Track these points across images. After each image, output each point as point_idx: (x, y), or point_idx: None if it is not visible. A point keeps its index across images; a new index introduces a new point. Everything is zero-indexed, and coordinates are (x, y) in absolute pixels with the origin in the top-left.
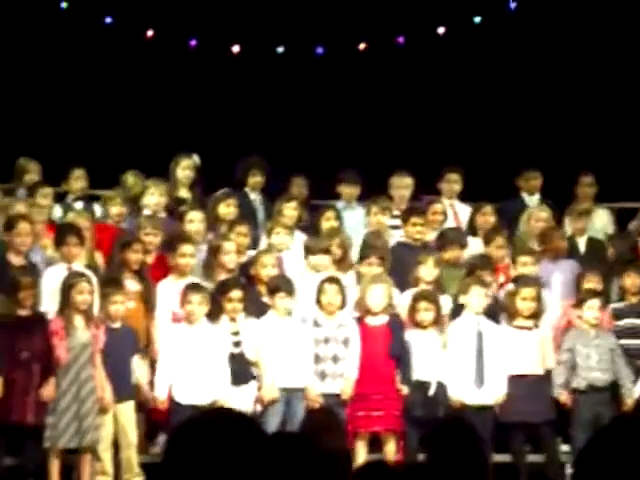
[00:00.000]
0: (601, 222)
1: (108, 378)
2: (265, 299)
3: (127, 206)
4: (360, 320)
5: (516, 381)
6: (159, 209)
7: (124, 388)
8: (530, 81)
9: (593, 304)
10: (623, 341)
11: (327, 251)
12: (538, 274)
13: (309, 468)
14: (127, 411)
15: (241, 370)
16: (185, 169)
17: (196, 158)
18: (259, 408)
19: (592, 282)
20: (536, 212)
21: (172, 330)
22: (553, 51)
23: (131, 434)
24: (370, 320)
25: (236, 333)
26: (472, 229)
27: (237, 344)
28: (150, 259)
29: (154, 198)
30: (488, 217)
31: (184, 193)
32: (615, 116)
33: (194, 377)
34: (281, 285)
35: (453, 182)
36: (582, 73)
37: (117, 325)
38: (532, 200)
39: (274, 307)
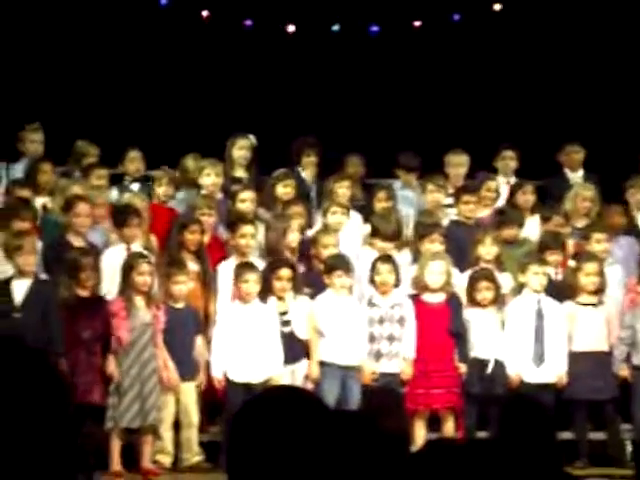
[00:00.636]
0: None
1: (172, 358)
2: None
3: (173, 186)
4: (417, 298)
5: (581, 358)
6: (215, 189)
7: (187, 368)
8: (581, 56)
9: None
10: None
11: (391, 237)
12: (610, 251)
13: (370, 448)
14: (189, 391)
15: (290, 349)
16: (241, 149)
17: (252, 138)
18: (309, 387)
19: None
20: (582, 190)
21: (226, 309)
22: (583, 25)
23: (193, 414)
24: (428, 297)
25: (284, 312)
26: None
27: (286, 323)
28: (206, 239)
29: (210, 178)
30: (529, 196)
31: (240, 173)
32: None
33: (248, 356)
34: (338, 263)
35: (509, 159)
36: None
37: (180, 305)
38: (575, 177)
39: (332, 285)
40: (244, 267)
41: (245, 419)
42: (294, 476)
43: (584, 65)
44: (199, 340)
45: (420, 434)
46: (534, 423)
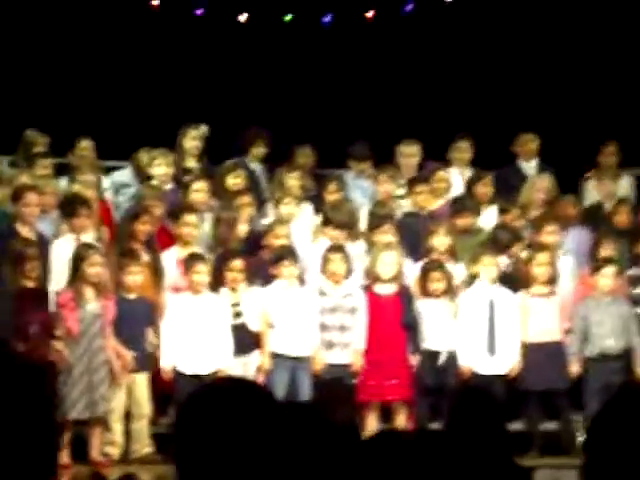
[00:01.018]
0: (624, 189)
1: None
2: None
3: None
4: (369, 289)
5: (534, 348)
6: (167, 179)
7: (139, 359)
8: (530, 47)
9: (608, 271)
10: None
11: (344, 225)
12: (560, 242)
13: (319, 439)
14: (141, 382)
15: (242, 340)
16: (193, 139)
17: (204, 128)
18: (261, 378)
19: (607, 249)
20: (539, 181)
21: (175, 300)
22: (565, 13)
23: (145, 405)
24: (380, 289)
25: (237, 304)
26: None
27: (238, 314)
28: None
29: (161, 169)
30: (488, 187)
31: (192, 163)
32: (625, 79)
33: (197, 347)
34: (285, 254)
35: (463, 150)
36: (594, 34)
37: (133, 296)
38: (529, 167)
39: (280, 276)
40: (194, 258)
41: (190, 410)
42: (240, 467)
43: (538, 55)
44: (151, 331)
45: (372, 425)
46: (484, 414)
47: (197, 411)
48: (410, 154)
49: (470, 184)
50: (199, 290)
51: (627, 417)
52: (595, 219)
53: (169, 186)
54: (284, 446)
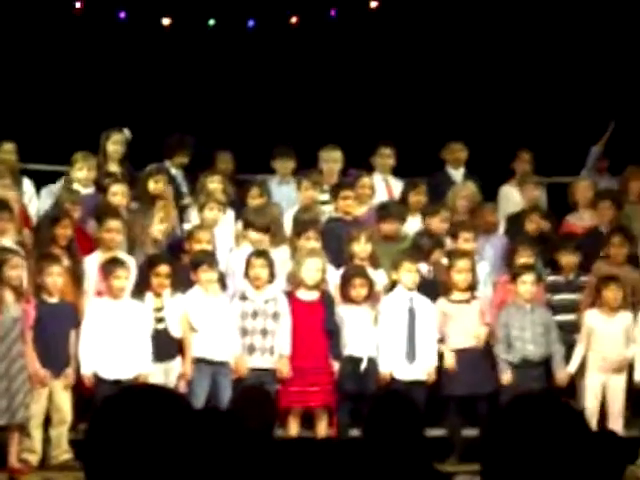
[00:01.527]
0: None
1: (45, 354)
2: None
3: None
4: (292, 294)
5: (460, 355)
6: (88, 183)
7: (61, 364)
8: (459, 54)
9: (527, 278)
10: (558, 317)
11: (267, 229)
12: (478, 249)
13: (230, 445)
14: (62, 387)
15: (164, 346)
16: (115, 144)
17: (127, 132)
18: (182, 385)
19: (524, 256)
20: (462, 188)
21: (95, 305)
22: (487, 23)
23: (65, 411)
24: (303, 295)
25: (160, 309)
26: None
27: (160, 320)
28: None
29: (82, 173)
30: (421, 196)
31: (114, 167)
32: (544, 92)
33: (117, 353)
34: (202, 258)
35: (387, 157)
36: (516, 47)
37: (54, 300)
38: (457, 174)
39: (199, 281)
40: (114, 263)
41: (101, 416)
42: (147, 474)
43: (464, 65)
44: (73, 335)
45: (293, 431)
46: (402, 420)
47: (109, 418)
48: (333, 159)
49: (404, 192)
50: (119, 295)
51: (518, 425)
52: (516, 227)
53: (89, 190)
54: (196, 452)
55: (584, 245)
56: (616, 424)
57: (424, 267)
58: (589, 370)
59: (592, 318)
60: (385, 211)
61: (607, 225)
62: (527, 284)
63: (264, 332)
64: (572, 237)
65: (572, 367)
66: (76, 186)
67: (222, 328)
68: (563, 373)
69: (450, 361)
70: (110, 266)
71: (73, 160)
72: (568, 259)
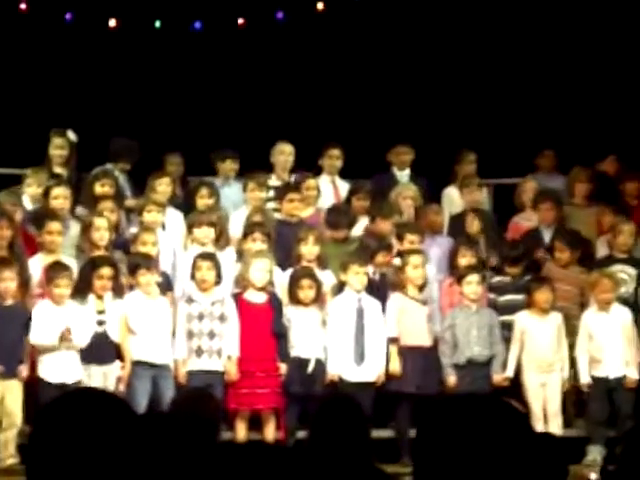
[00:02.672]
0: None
1: None
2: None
3: None
4: (240, 296)
5: (405, 353)
6: (38, 200)
7: (13, 367)
8: (403, 56)
9: (472, 279)
10: (503, 317)
11: (211, 224)
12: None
13: (176, 448)
14: (14, 390)
15: (104, 349)
16: (57, 148)
17: (71, 135)
18: (122, 388)
19: (466, 256)
20: (403, 190)
21: (40, 308)
22: (433, 24)
23: (15, 415)
24: (251, 297)
25: (101, 312)
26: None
27: (101, 323)
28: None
29: (32, 189)
30: (364, 202)
31: (58, 170)
32: (489, 93)
33: (60, 356)
34: (141, 262)
35: (335, 158)
36: (463, 47)
37: (8, 303)
38: (403, 175)
39: (137, 284)
40: (55, 269)
41: (43, 420)
42: (88, 478)
43: (410, 67)
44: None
45: (241, 434)
46: (348, 423)
47: (49, 421)
48: (284, 152)
49: (348, 197)
50: (59, 302)
51: (450, 426)
52: (458, 228)
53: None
54: (136, 456)
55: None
56: (554, 424)
57: (369, 269)
58: (525, 371)
59: (524, 320)
60: (334, 218)
61: (548, 226)
62: (472, 285)
63: (211, 334)
64: (516, 246)
65: (510, 370)
66: (26, 201)
67: (162, 331)
68: (499, 375)
69: (395, 364)
70: (51, 272)
71: (24, 176)
72: (512, 270)
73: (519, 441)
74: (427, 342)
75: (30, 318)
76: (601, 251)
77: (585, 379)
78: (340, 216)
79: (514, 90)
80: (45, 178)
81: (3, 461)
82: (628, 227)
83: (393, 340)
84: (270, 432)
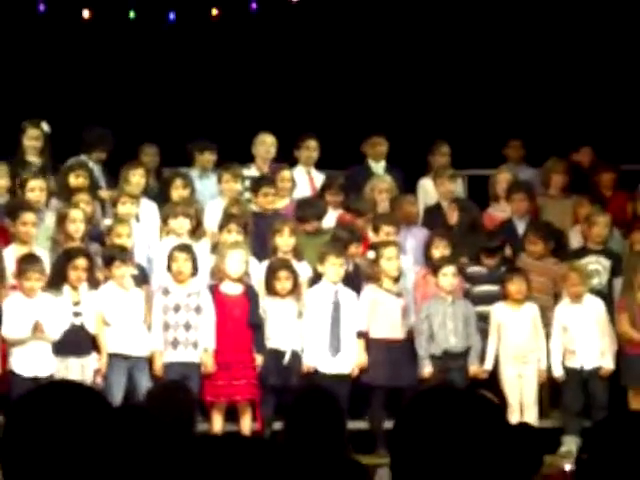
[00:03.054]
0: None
1: None
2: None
3: None
4: (216, 288)
5: (378, 345)
6: (1, 192)
7: None
8: (377, 46)
9: (448, 271)
10: (479, 307)
11: (187, 215)
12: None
13: (150, 442)
14: None
15: (80, 341)
16: (31, 139)
17: (45, 126)
18: (99, 380)
19: (439, 247)
20: (378, 183)
21: (11, 300)
22: (404, 15)
23: None
24: (227, 288)
25: (77, 303)
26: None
27: (77, 314)
28: None
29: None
30: (336, 197)
31: (33, 159)
32: (463, 84)
33: (33, 349)
34: (116, 254)
35: (311, 149)
36: (437, 38)
37: None
38: (378, 167)
39: (111, 277)
40: (28, 261)
41: (17, 414)
42: (65, 472)
43: (384, 58)
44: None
45: (218, 426)
46: (323, 414)
47: (24, 416)
48: (269, 143)
49: (321, 190)
50: (30, 295)
51: (426, 417)
52: (432, 219)
53: (3, 199)
54: (112, 449)
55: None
56: (530, 415)
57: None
58: (502, 363)
59: (499, 311)
60: (304, 211)
61: (521, 217)
62: (448, 276)
63: (187, 326)
64: (494, 236)
65: (488, 363)
66: None
67: (137, 323)
68: (477, 366)
69: (362, 358)
70: (22, 265)
71: None
72: (489, 261)
73: (494, 432)
74: (400, 335)
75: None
76: (575, 242)
77: (558, 372)
78: (309, 209)
79: (488, 80)
80: (5, 170)
81: None
82: (603, 218)
83: (362, 334)
84: (246, 423)
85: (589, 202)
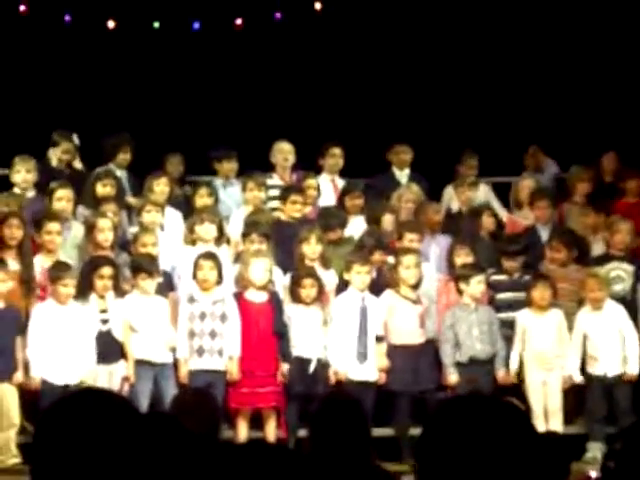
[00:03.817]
0: (483, 196)
1: None
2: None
3: None
4: (241, 296)
5: (399, 352)
6: (28, 186)
7: (7, 368)
8: (402, 55)
9: (480, 279)
10: (502, 314)
11: (213, 221)
12: (423, 249)
13: (177, 449)
14: (9, 391)
15: (108, 348)
16: (63, 152)
17: (75, 138)
18: (126, 387)
19: (461, 255)
20: (405, 193)
21: (41, 309)
22: (427, 23)
23: (13, 415)
24: (251, 296)
25: (104, 311)
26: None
27: (105, 322)
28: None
29: (20, 175)
30: (356, 200)
31: (62, 169)
32: (487, 92)
33: (64, 357)
34: (142, 264)
35: (337, 157)
36: (461, 46)
37: (0, 305)
38: (402, 175)
39: (136, 287)
40: (59, 268)
41: (47, 421)
42: (93, 478)
43: (409, 67)
44: (19, 340)
45: (242, 432)
46: (348, 421)
47: (55, 423)
48: (286, 151)
49: (340, 196)
50: (65, 302)
51: (455, 425)
52: (456, 226)
53: (30, 194)
54: (141, 457)
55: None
56: (555, 422)
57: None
58: (527, 369)
59: (524, 317)
60: (327, 220)
61: (544, 224)
62: (480, 284)
63: (213, 334)
64: (516, 240)
65: (513, 367)
66: (16, 190)
67: (163, 330)
68: (504, 372)
69: (383, 361)
70: (56, 272)
71: (12, 164)
72: (510, 264)
73: (521, 440)
74: (417, 340)
75: (22, 321)
76: (597, 249)
77: (577, 378)
78: (332, 218)
79: (511, 88)
80: (33, 165)
81: (4, 462)
82: (625, 225)
83: (380, 338)
84: (271, 431)
85: (610, 209)
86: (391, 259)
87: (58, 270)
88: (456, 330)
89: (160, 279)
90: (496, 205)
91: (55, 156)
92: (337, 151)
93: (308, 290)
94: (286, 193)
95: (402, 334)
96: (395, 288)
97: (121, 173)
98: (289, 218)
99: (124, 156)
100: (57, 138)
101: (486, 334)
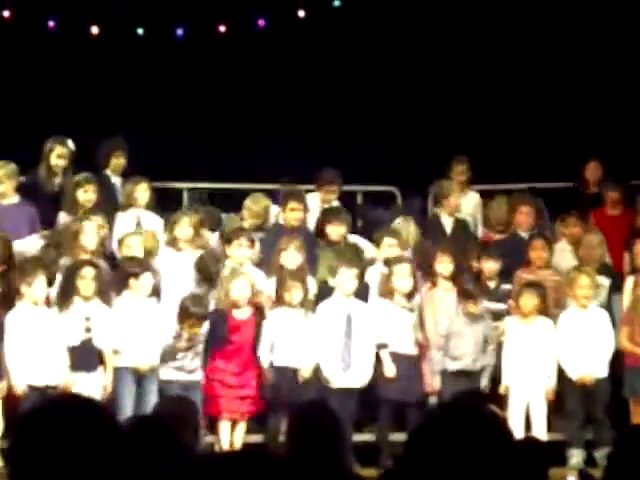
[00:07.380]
0: (471, 204)
1: None
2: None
3: None
4: (228, 316)
5: (394, 360)
6: (8, 193)
7: None
8: (388, 63)
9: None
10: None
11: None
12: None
13: (161, 454)
14: None
15: (90, 356)
16: (59, 157)
17: (70, 144)
18: (106, 395)
19: (443, 262)
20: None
21: (12, 315)
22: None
23: None
24: (237, 314)
25: (88, 318)
26: None
27: (88, 329)
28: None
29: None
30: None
31: (58, 179)
32: (482, 99)
33: (39, 359)
34: (133, 269)
35: (332, 192)
36: (460, 50)
37: None
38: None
39: (128, 288)
40: (24, 267)
41: (27, 426)
42: None
43: (392, 77)
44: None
45: (224, 439)
46: (321, 427)
47: (33, 426)
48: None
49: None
50: (34, 301)
51: (438, 433)
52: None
53: (11, 200)
54: (119, 464)
55: (504, 251)
56: (540, 428)
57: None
58: (511, 376)
59: (510, 325)
60: (330, 215)
61: (526, 230)
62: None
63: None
64: (491, 245)
65: (505, 383)
66: None
67: (149, 335)
68: (486, 383)
69: (390, 369)
70: (22, 271)
71: None
72: (490, 267)
73: (498, 448)
74: (411, 350)
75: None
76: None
77: (572, 375)
78: (335, 214)
79: (505, 97)
80: (13, 171)
81: None
82: (595, 236)
83: (382, 345)
84: (250, 437)
85: (576, 220)
86: (383, 269)
87: (24, 269)
88: (450, 340)
89: (152, 280)
90: (479, 217)
91: (47, 163)
92: (333, 187)
93: (293, 292)
94: (286, 199)
95: (395, 342)
96: (389, 297)
97: (116, 179)
98: (288, 225)
99: (117, 161)
100: (52, 143)
101: (480, 347)
